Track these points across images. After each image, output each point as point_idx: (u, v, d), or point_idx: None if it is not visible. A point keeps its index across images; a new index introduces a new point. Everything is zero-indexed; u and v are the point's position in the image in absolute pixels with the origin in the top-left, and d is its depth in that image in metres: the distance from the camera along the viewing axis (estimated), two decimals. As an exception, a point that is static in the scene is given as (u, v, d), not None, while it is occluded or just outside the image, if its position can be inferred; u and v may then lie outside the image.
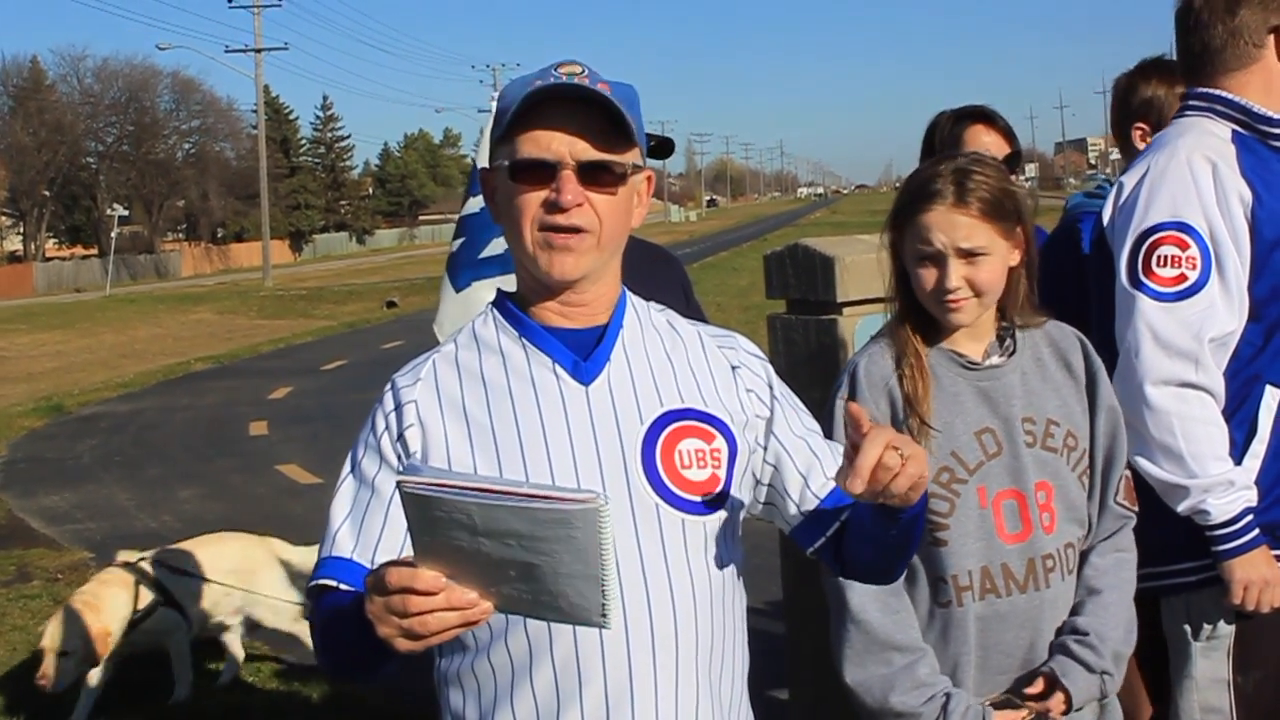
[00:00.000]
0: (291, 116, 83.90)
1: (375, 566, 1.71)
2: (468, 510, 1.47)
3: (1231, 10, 2.80)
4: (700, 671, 1.87)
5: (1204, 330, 2.64)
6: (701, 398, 1.94)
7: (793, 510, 1.98)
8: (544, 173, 1.84)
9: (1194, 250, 2.66)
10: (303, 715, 5.53)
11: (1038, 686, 2.38)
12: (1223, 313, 2.65)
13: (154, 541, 9.08)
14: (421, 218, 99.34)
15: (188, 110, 71.60)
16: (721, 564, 1.91)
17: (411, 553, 1.55)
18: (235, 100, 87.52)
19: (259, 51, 55.42)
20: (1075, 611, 2.44)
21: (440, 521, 1.50)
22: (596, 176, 1.85)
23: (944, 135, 3.62)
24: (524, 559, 1.49)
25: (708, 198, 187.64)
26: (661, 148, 3.51)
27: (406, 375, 1.94)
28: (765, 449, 1.98)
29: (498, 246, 3.30)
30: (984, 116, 3.63)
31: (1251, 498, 2.64)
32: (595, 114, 1.84)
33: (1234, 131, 2.78)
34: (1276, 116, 2.77)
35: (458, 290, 3.24)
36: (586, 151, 1.84)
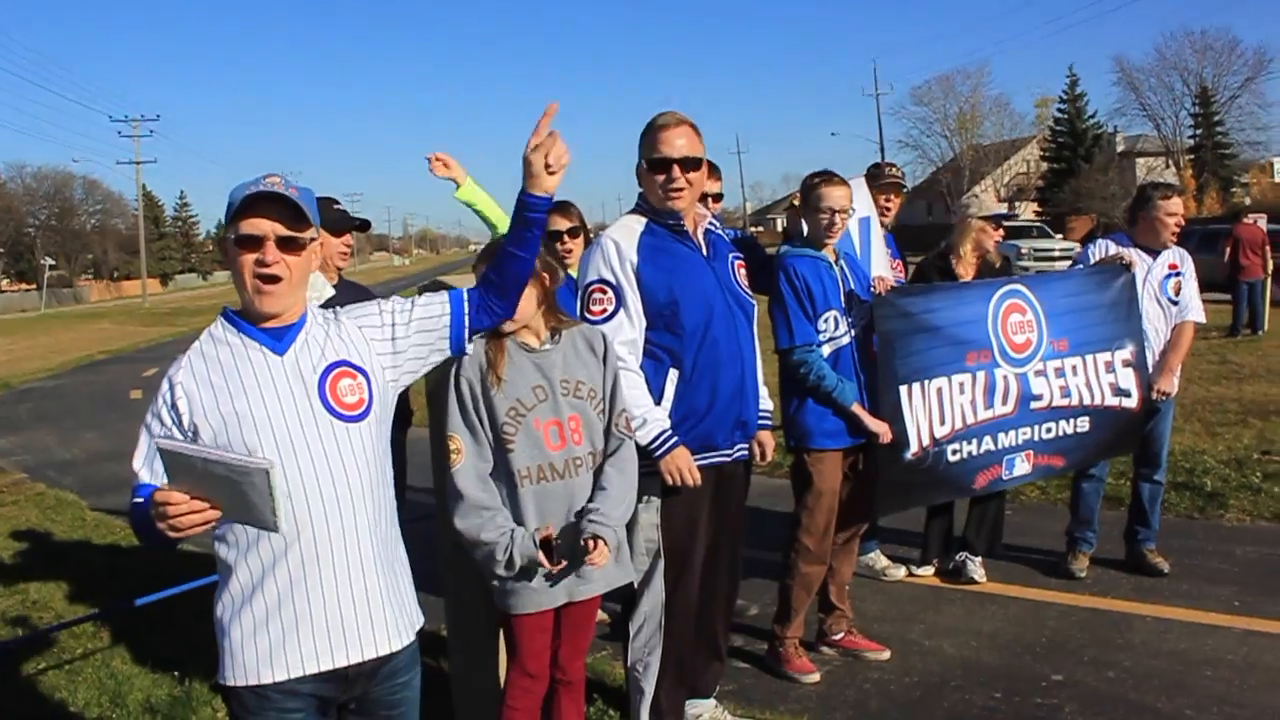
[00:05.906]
0: (160, 203, 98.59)
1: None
2: (193, 463, 2.20)
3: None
4: (372, 530, 2.69)
5: (619, 337, 3.93)
6: (349, 352, 2.72)
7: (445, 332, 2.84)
8: (256, 243, 2.57)
9: (610, 294, 3.96)
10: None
11: (590, 545, 3.36)
12: (627, 328, 3.97)
13: (68, 467, 11.23)
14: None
15: (93, 198, 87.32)
16: (376, 453, 2.72)
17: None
18: (123, 193, 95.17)
19: (138, 164, 68.07)
20: (592, 499, 3.47)
21: (182, 466, 2.22)
22: (287, 245, 2.59)
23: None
24: (230, 491, 2.21)
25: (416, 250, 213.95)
26: (363, 225, 4.86)
27: (175, 367, 2.65)
28: (403, 352, 2.80)
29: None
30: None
31: (662, 428, 4.02)
32: (286, 207, 2.58)
33: (647, 222, 4.08)
34: (660, 209, 4.06)
35: None
36: (280, 230, 2.58)
